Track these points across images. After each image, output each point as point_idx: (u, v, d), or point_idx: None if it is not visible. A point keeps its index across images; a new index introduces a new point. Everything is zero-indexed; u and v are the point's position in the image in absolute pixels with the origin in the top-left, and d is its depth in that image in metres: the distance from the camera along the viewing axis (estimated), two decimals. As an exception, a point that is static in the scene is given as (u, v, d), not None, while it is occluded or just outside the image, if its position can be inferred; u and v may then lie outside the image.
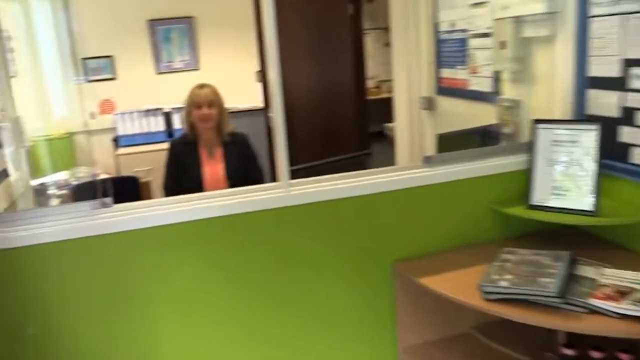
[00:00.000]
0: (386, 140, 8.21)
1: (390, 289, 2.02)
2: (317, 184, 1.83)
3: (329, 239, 1.89)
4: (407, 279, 1.94)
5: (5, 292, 1.61)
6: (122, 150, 4.86)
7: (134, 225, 1.63)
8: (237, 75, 5.38)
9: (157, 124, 5.01)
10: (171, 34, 5.25)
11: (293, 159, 4.52)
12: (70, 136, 5.07)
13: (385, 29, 8.76)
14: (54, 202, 3.18)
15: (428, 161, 1.98)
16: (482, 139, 2.51)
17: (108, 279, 1.68)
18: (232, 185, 2.66)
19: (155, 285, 1.73)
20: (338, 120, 4.27)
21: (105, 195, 1.71)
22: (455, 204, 2.03)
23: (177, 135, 5.03)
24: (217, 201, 1.71)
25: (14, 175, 2.82)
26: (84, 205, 1.63)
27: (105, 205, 1.65)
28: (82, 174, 4.91)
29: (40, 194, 3.17)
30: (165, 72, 5.28)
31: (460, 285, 1.81)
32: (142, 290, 1.73)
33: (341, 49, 4.11)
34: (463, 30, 2.78)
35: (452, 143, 2.37)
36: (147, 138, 5.01)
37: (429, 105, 3.23)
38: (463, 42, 2.80)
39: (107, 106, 5.21)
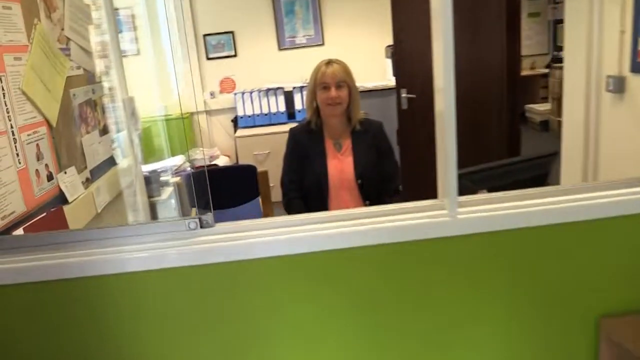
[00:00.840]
0: (527, 124, 7.28)
1: (590, 354, 1.41)
2: (494, 204, 1.26)
3: (505, 281, 1.32)
4: (621, 346, 1.32)
5: (79, 331, 1.25)
6: (240, 132, 4.57)
7: (241, 254, 1.19)
8: (365, 50, 4.86)
9: (278, 104, 4.66)
10: (294, 7, 4.84)
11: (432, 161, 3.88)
12: (189, 116, 4.89)
13: (530, -4, 7.74)
14: (166, 192, 2.91)
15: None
16: None
17: (208, 319, 1.27)
18: (362, 185, 2.17)
19: (268, 331, 1.29)
20: (485, 107, 3.59)
21: (206, 206, 1.29)
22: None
23: (298, 118, 4.66)
24: (348, 226, 1.21)
25: (123, 162, 2.56)
26: (179, 225, 1.22)
27: (205, 225, 1.23)
28: (200, 155, 4.71)
29: (152, 182, 2.92)
30: (287, 48, 4.90)
31: None
32: (248, 335, 1.29)
33: (493, 19, 3.41)
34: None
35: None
36: (267, 119, 4.68)
37: (619, 86, 2.48)
38: (685, 0, 2.03)
39: (227, 85, 4.95)
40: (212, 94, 4.94)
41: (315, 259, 1.21)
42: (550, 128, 6.65)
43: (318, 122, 2.24)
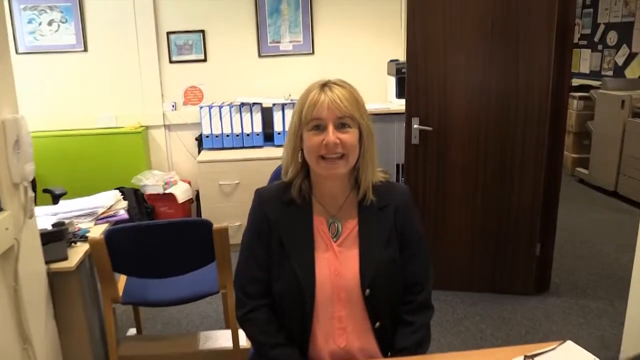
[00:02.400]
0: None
1: None
2: None
3: None
4: None
5: None
6: (204, 155, 3.68)
7: None
8: (362, 65, 4.01)
9: (253, 123, 3.78)
10: (281, 5, 3.97)
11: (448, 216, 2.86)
12: (144, 130, 3.97)
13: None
14: (77, 253, 2.00)
15: None
16: None
17: None
18: (370, 297, 1.31)
19: None
20: (515, 149, 2.77)
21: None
22: None
23: (277, 142, 3.70)
24: None
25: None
26: None
27: None
28: (152, 181, 3.80)
29: (58, 237, 2.01)
30: (268, 55, 4.03)
31: None
32: None
33: (537, 35, 2.59)
34: None
35: None
36: (239, 141, 3.80)
37: None
38: None
39: (193, 95, 4.06)
40: (174, 106, 4.04)
41: None
42: (564, 166, 5.89)
43: (304, 186, 1.36)
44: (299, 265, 1.31)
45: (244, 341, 2.17)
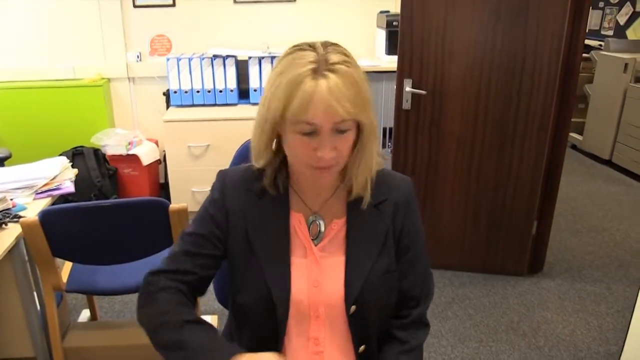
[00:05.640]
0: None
1: None
2: None
3: None
4: None
5: None
6: (171, 113, 3.31)
7: None
8: (349, 15, 3.62)
9: (227, 78, 3.41)
10: (260, -55, 3.53)
11: (433, 197, 2.60)
12: (105, 83, 3.57)
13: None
14: (5, 242, 1.67)
15: None
16: None
17: None
18: (356, 317, 1.03)
19: None
20: (518, 118, 2.47)
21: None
22: None
23: (253, 100, 3.33)
24: None
25: None
26: None
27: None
28: (114, 141, 3.44)
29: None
30: (245, 2, 3.61)
31: None
32: None
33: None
34: None
35: None
36: (211, 97, 3.44)
37: None
38: None
39: (160, 44, 3.65)
40: (139, 56, 3.63)
41: None
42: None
43: (282, 174, 1.05)
44: (270, 273, 1.02)
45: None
